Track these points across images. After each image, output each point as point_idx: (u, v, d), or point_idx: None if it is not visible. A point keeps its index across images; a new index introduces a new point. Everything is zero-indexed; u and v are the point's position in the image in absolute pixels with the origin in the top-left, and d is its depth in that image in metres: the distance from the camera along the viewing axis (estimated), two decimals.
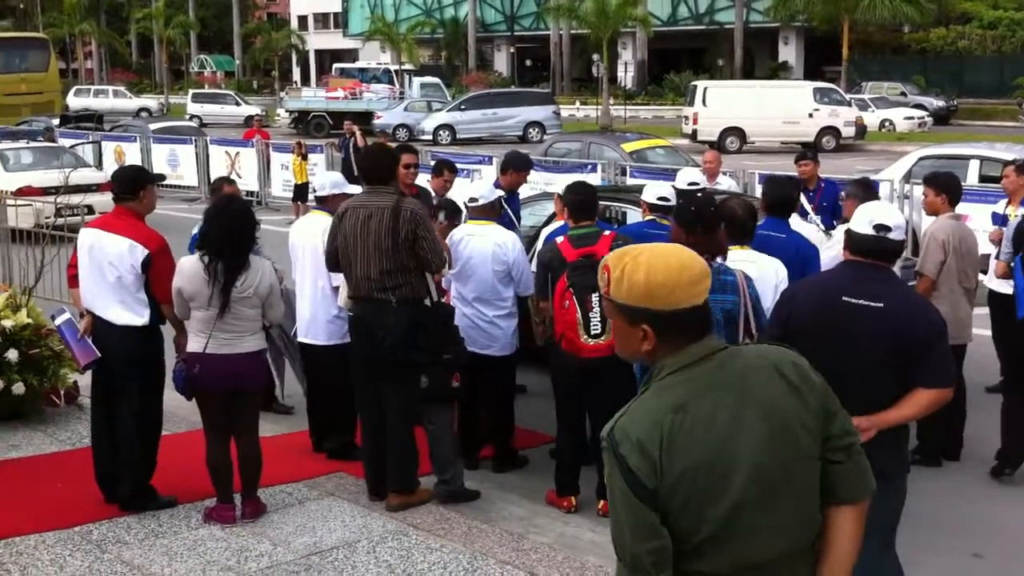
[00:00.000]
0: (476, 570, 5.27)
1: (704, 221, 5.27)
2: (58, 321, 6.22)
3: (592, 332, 5.90)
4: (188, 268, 5.62)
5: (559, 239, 6.23)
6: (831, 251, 7.00)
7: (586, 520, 6.15)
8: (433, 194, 8.72)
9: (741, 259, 5.60)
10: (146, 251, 5.76)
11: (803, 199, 10.02)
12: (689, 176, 7.89)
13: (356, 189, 7.06)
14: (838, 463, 2.63)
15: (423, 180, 9.31)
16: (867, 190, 7.64)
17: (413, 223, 5.90)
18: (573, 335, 5.90)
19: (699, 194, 6.79)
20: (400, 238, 5.87)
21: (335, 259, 6.12)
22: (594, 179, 14.24)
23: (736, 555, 2.50)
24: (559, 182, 14.87)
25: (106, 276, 5.82)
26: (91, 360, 5.95)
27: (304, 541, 5.62)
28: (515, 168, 8.90)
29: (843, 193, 7.72)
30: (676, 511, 2.48)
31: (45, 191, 15.14)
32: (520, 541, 5.64)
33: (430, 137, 37.81)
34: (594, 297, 5.86)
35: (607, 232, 6.18)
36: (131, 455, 5.94)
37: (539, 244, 7.18)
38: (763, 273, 5.58)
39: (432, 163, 9.75)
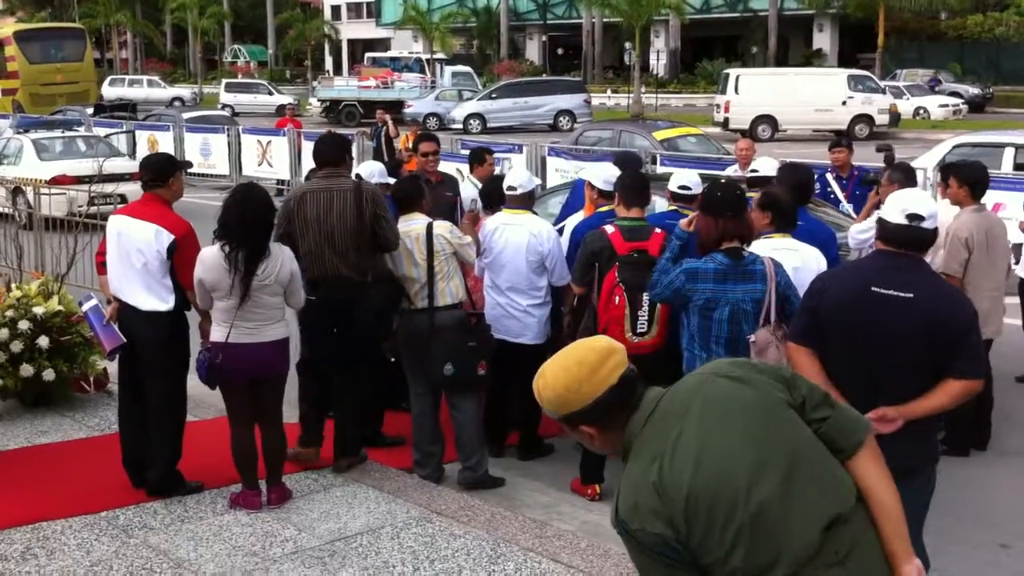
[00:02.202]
0: (500, 556, 5.27)
1: (732, 206, 5.23)
2: (85, 307, 6.28)
3: (638, 331, 5.91)
4: (209, 258, 5.64)
5: (609, 229, 6.15)
6: (865, 233, 6.92)
7: (610, 508, 6.13)
8: (462, 180, 8.75)
9: (784, 247, 5.56)
10: (172, 237, 5.80)
11: (836, 186, 9.97)
12: (771, 164, 7.74)
13: (391, 180, 7.18)
14: (825, 419, 2.66)
15: (449, 168, 9.35)
16: (908, 175, 7.52)
17: (374, 203, 6.20)
18: (618, 330, 5.87)
19: (722, 180, 6.71)
20: (365, 218, 6.14)
21: (289, 241, 6.11)
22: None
23: (787, 548, 2.49)
24: (594, 166, 14.85)
25: (133, 262, 5.87)
26: (117, 346, 6.01)
27: (329, 527, 5.65)
28: (624, 168, 8.81)
29: (883, 178, 7.58)
30: (702, 542, 2.51)
31: (79, 180, 15.32)
32: (544, 528, 5.63)
33: (461, 126, 37.81)
34: (644, 296, 5.86)
35: (658, 230, 6.13)
36: (159, 441, 6.00)
37: (565, 236, 7.11)
38: (805, 263, 5.52)
39: (456, 151, 9.79)
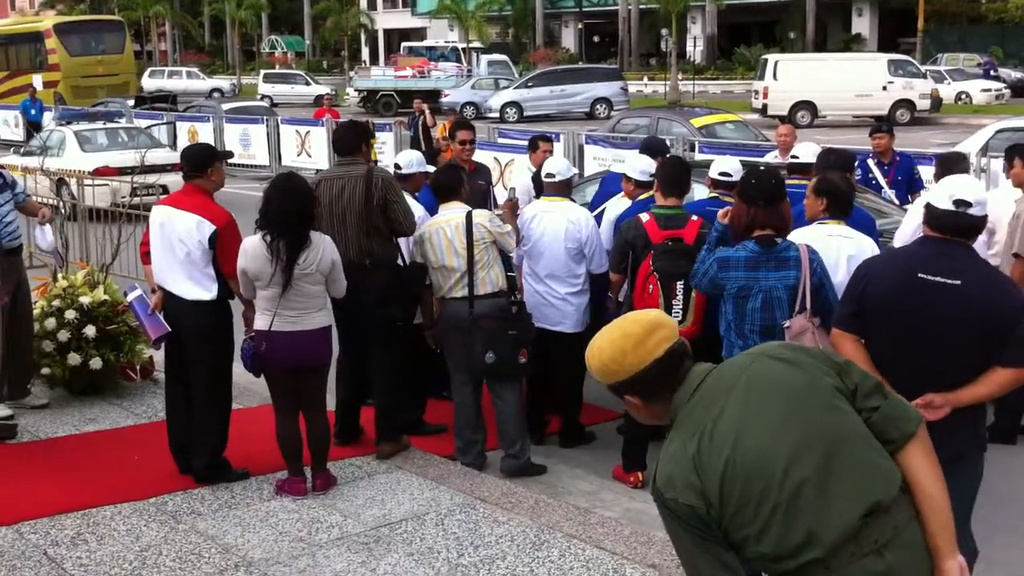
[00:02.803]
0: (543, 544, 5.29)
1: (764, 195, 5.19)
2: (130, 297, 6.37)
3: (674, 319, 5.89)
4: (251, 248, 5.69)
5: (644, 217, 6.14)
6: (909, 225, 6.84)
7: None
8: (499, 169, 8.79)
9: (838, 234, 5.50)
10: (213, 227, 5.86)
11: (877, 172, 9.89)
12: (812, 149, 7.61)
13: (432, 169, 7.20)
14: (876, 408, 2.64)
15: (478, 157, 9.46)
16: (946, 165, 7.42)
17: (384, 189, 6.30)
18: None
19: (763, 167, 6.64)
20: (373, 203, 6.23)
21: None
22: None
23: (821, 533, 2.49)
24: (628, 159, 14.80)
25: (176, 252, 5.94)
26: (162, 335, 6.09)
27: (373, 513, 5.70)
28: (651, 154, 8.84)
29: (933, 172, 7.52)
30: (734, 518, 2.53)
31: (121, 171, 15.49)
32: (587, 516, 5.65)
33: (497, 115, 37.80)
34: (679, 285, 5.86)
35: (695, 218, 6.12)
36: (204, 428, 6.07)
37: (603, 226, 7.11)
38: (860, 250, 5.42)
39: (493, 140, 9.89)
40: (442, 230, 6.35)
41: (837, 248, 5.42)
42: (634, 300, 6.05)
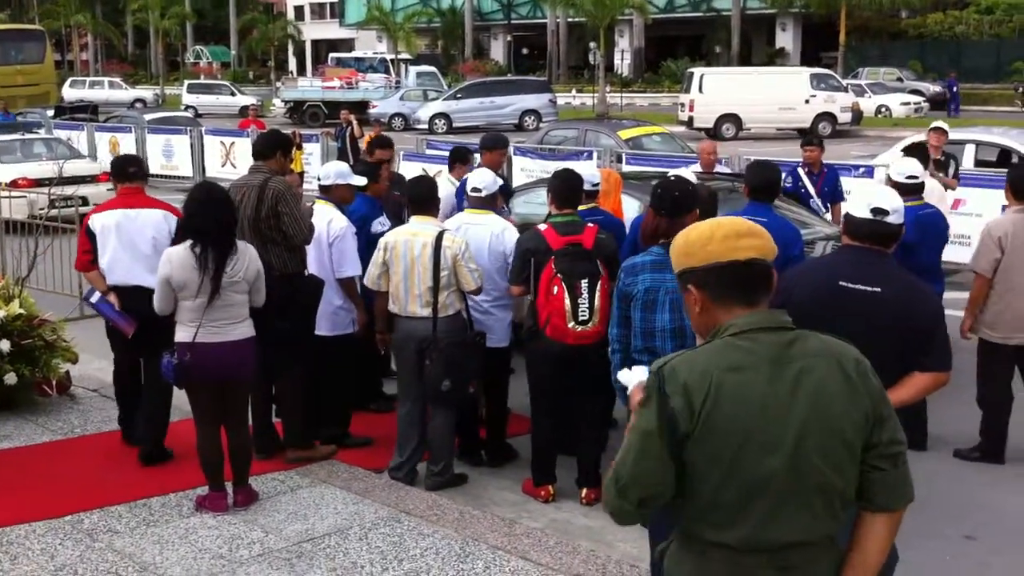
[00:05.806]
0: (468, 555, 5.25)
1: (667, 205, 5.19)
2: (93, 299, 6.59)
3: (580, 319, 5.88)
4: (177, 257, 5.61)
5: (543, 227, 6.13)
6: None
7: (578, 505, 6.14)
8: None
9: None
10: (175, 217, 6.27)
11: (807, 182, 10.17)
12: (907, 168, 7.10)
13: (360, 180, 7.06)
14: (882, 470, 2.60)
15: (406, 168, 9.24)
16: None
17: (274, 199, 6.31)
18: (560, 321, 5.87)
19: (672, 177, 6.57)
20: (262, 213, 6.27)
21: None
22: (590, 166, 14.16)
23: (751, 530, 2.50)
24: (554, 170, 14.83)
25: (141, 248, 6.41)
26: (135, 327, 6.37)
27: (296, 528, 5.61)
28: (487, 148, 8.76)
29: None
30: (703, 463, 2.48)
31: (39, 182, 15.15)
32: (512, 527, 5.62)
33: (426, 126, 37.69)
34: (583, 283, 5.86)
35: (591, 224, 6.13)
36: (156, 414, 6.55)
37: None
38: None
39: (422, 152, 9.64)
40: (410, 244, 6.23)
41: None
42: (539, 305, 6.02)
